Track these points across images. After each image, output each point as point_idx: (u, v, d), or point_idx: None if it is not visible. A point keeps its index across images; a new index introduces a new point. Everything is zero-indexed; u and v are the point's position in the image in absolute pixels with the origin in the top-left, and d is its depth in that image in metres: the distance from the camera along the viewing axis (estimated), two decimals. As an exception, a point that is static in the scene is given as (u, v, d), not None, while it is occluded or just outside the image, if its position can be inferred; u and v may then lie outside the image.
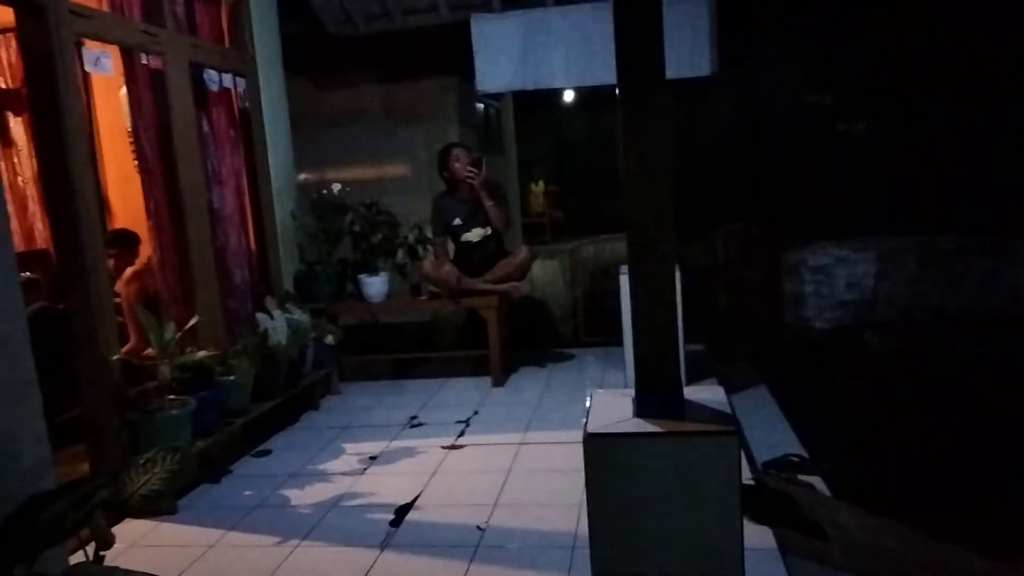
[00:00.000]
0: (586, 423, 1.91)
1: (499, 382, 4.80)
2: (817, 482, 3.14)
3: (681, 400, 1.98)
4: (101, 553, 1.88)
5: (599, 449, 1.84)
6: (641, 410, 1.95)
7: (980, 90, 7.40)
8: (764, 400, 4.28)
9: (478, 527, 2.84)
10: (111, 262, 4.21)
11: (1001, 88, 7.26)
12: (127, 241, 4.44)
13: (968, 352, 5.05)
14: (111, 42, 3.45)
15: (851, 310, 5.49)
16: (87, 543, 1.90)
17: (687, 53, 4.92)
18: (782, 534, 2.59)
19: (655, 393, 1.96)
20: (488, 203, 4.86)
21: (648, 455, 1.82)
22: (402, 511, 3.03)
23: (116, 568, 1.73)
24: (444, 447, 3.74)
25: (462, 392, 4.71)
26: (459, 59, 5.56)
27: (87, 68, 3.35)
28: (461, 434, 3.92)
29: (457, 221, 4.96)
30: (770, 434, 3.72)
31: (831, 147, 8.44)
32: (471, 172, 4.84)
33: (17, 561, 1.66)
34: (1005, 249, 5.32)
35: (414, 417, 4.26)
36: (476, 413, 4.26)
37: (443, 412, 4.32)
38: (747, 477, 3.06)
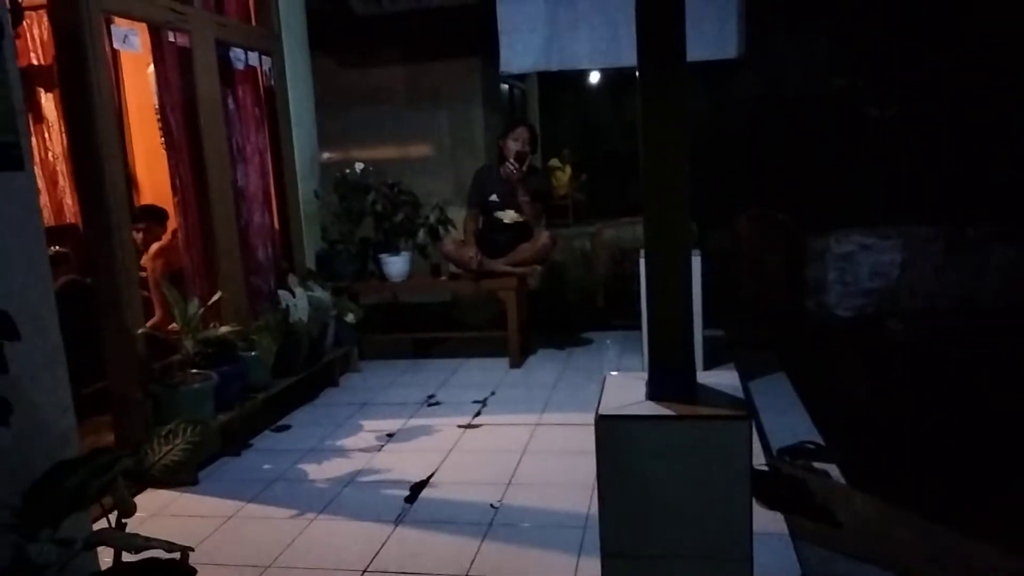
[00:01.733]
0: (599, 405, 1.92)
1: (517, 364, 4.82)
2: (832, 470, 3.13)
3: (694, 384, 1.98)
4: (123, 521, 1.93)
5: (610, 431, 1.85)
6: (654, 393, 1.95)
7: (1014, 77, 7.23)
8: (782, 387, 4.26)
9: (492, 505, 2.87)
10: (139, 235, 4.29)
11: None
12: (157, 216, 4.50)
13: (992, 343, 4.98)
14: (139, 20, 3.49)
15: (874, 298, 5.43)
16: (110, 511, 1.95)
17: (713, 35, 4.85)
18: (793, 520, 2.60)
19: (668, 376, 1.96)
20: (523, 199, 4.88)
21: (659, 438, 1.83)
22: (417, 488, 3.07)
23: (137, 535, 1.78)
24: (461, 426, 3.78)
25: (480, 372, 4.74)
26: (484, 40, 5.53)
27: (116, 45, 3.39)
28: (478, 414, 3.96)
29: (494, 197, 4.99)
30: (787, 421, 3.70)
31: (858, 132, 8.31)
32: (512, 167, 4.85)
33: (43, 526, 1.71)
34: (1033, 239, 5.22)
35: (432, 396, 4.30)
36: (493, 394, 4.29)
37: (460, 392, 4.35)
38: (762, 463, 3.06)
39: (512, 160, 4.86)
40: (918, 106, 8.16)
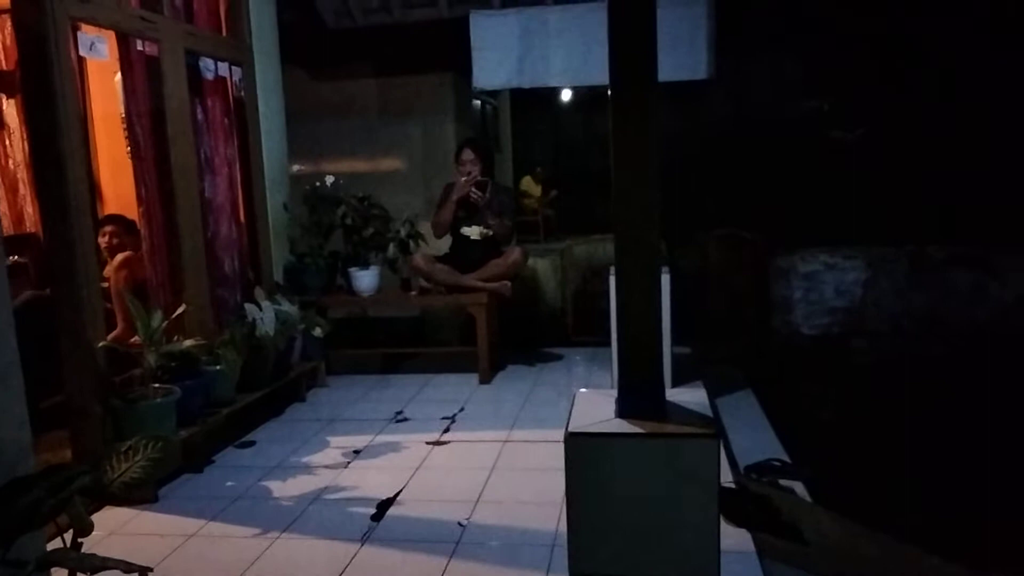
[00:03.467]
0: (568, 422, 1.92)
1: (487, 379, 4.80)
2: (798, 487, 3.16)
3: (663, 402, 1.99)
4: (79, 540, 1.87)
5: (580, 448, 1.85)
6: (623, 411, 1.96)
7: (974, 102, 7.44)
8: (749, 404, 4.30)
9: (459, 523, 2.84)
10: (105, 239, 4.21)
11: (995, 101, 7.30)
12: (127, 224, 4.42)
13: (953, 361, 5.08)
14: (107, 27, 3.44)
15: (839, 317, 5.52)
16: (65, 530, 1.89)
17: (684, 56, 4.93)
18: (760, 538, 2.61)
19: (637, 394, 1.97)
20: (492, 222, 4.88)
21: (628, 456, 1.83)
22: (384, 506, 3.03)
23: (93, 555, 1.72)
24: (429, 443, 3.74)
25: (449, 388, 4.71)
26: (457, 55, 5.55)
27: (82, 52, 3.33)
28: (446, 430, 3.93)
29: (460, 213, 4.97)
30: (753, 438, 3.74)
31: (824, 154, 8.48)
32: (476, 195, 4.84)
33: (-6, 545, 1.65)
34: (991, 260, 5.36)
35: (400, 412, 4.26)
36: (462, 410, 4.27)
37: (429, 408, 4.32)
38: (728, 480, 3.08)
39: (473, 189, 4.84)
40: (882, 129, 8.35)
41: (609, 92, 1.94)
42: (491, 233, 4.93)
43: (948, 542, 2.77)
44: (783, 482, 3.18)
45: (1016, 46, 6.97)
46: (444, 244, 5.12)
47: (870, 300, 5.48)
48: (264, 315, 4.01)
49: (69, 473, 1.81)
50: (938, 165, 7.44)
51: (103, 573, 1.68)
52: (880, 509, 3.06)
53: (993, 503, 3.23)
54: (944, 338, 5.30)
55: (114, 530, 2.90)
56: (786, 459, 3.45)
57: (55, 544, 1.94)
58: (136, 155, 3.68)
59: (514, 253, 5.00)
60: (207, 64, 4.11)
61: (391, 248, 4.89)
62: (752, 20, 7.40)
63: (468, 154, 4.94)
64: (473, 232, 4.94)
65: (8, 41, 4.50)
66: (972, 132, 7.32)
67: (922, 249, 5.48)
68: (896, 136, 8.03)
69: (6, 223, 4.56)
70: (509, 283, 4.94)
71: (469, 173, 4.87)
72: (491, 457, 3.50)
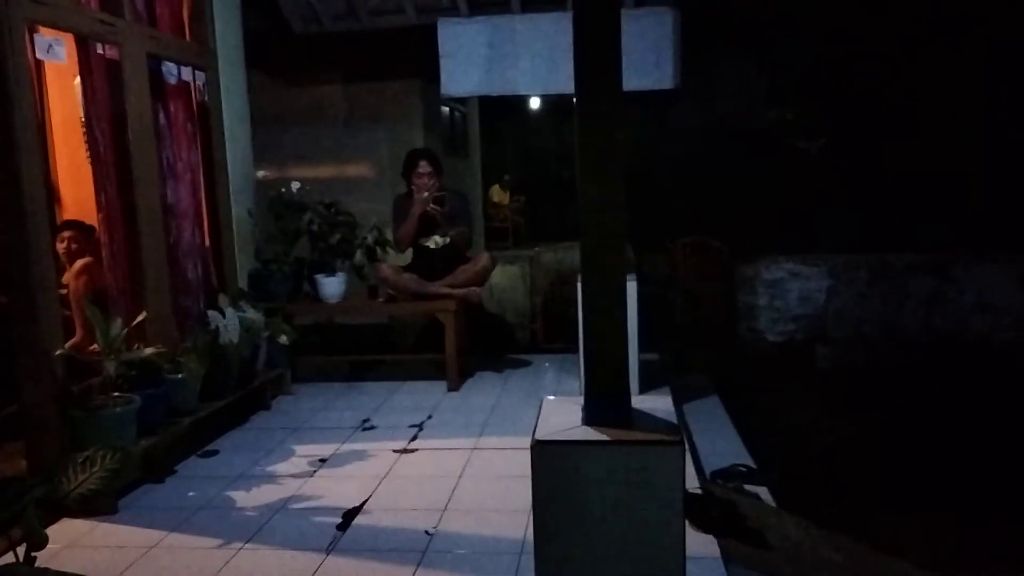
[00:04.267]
0: (535, 430, 1.91)
1: (455, 387, 4.78)
2: (763, 492, 3.19)
3: (629, 409, 1.99)
4: (33, 554, 1.82)
5: (546, 456, 1.84)
6: (589, 418, 1.96)
7: (934, 113, 7.62)
8: (715, 410, 4.34)
9: (427, 532, 2.82)
10: (64, 245, 4.12)
11: (954, 112, 7.48)
12: (87, 230, 4.33)
13: (913, 367, 5.19)
14: (65, 30, 3.37)
15: (803, 324, 5.60)
16: (19, 543, 1.84)
17: (651, 66, 4.97)
18: (726, 543, 2.63)
19: (604, 401, 1.97)
20: (451, 232, 4.86)
21: (594, 463, 1.83)
22: (350, 515, 3.00)
23: (47, 569, 1.69)
24: (396, 451, 3.71)
25: (417, 396, 4.68)
26: (425, 62, 5.55)
27: (39, 55, 3.27)
28: (414, 438, 3.90)
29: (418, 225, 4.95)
30: (719, 444, 3.77)
31: (788, 163, 8.62)
32: (435, 209, 4.82)
33: (-58, 561, 1.61)
34: (949, 268, 5.48)
35: (367, 420, 4.23)
36: (430, 417, 4.24)
37: (397, 415, 4.29)
38: (695, 486, 3.10)
39: (432, 205, 4.81)
40: (844, 138, 8.52)
41: (574, 101, 1.95)
42: (448, 241, 4.92)
43: (912, 544, 2.81)
44: (748, 487, 3.21)
45: (977, 59, 7.17)
46: (406, 254, 5.10)
47: (832, 307, 5.58)
48: (228, 322, 3.95)
49: (22, 485, 1.77)
50: (898, 175, 7.61)
51: (57, 588, 1.64)
52: (844, 513, 3.11)
53: (956, 505, 3.29)
54: (904, 344, 5.41)
55: (71, 542, 2.83)
56: (752, 464, 3.48)
57: (8, 558, 1.89)
58: (96, 160, 3.61)
59: (482, 259, 4.99)
60: (170, 68, 4.05)
61: (358, 255, 4.85)
62: (719, 31, 7.51)
63: (425, 167, 4.88)
64: (432, 242, 4.94)
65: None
66: (932, 143, 7.50)
67: (883, 257, 5.59)
68: (857, 146, 8.19)
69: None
70: (478, 289, 4.93)
71: (431, 187, 4.84)
72: (459, 465, 3.49)
